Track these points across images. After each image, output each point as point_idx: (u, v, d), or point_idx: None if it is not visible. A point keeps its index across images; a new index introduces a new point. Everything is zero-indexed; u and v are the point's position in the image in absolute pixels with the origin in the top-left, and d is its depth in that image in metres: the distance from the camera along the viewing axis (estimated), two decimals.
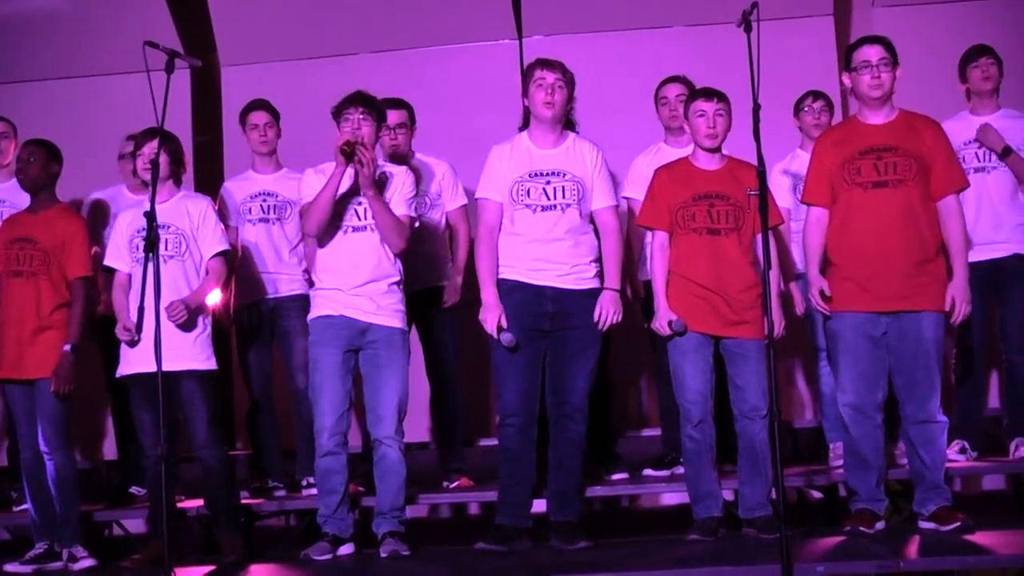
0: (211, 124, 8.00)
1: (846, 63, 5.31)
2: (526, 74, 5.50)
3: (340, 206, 5.41)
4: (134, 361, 5.47)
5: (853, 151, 5.20)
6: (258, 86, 6.96)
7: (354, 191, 5.42)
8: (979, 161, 5.94)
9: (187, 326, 5.39)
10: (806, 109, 6.27)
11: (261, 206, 6.32)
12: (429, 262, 6.13)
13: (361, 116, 5.43)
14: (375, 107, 5.49)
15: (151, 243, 4.77)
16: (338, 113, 5.48)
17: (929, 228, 5.15)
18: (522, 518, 5.40)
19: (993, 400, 6.61)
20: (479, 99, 7.41)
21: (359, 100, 5.47)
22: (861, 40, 5.40)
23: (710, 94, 5.35)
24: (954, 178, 5.22)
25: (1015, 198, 6.04)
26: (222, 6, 7.70)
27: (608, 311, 5.33)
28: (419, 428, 6.59)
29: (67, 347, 5.67)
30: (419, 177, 5.95)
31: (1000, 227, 5.97)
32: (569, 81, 5.43)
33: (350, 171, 5.35)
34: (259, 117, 6.38)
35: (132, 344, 5.44)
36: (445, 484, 6.20)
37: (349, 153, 5.27)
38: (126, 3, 7.42)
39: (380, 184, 5.44)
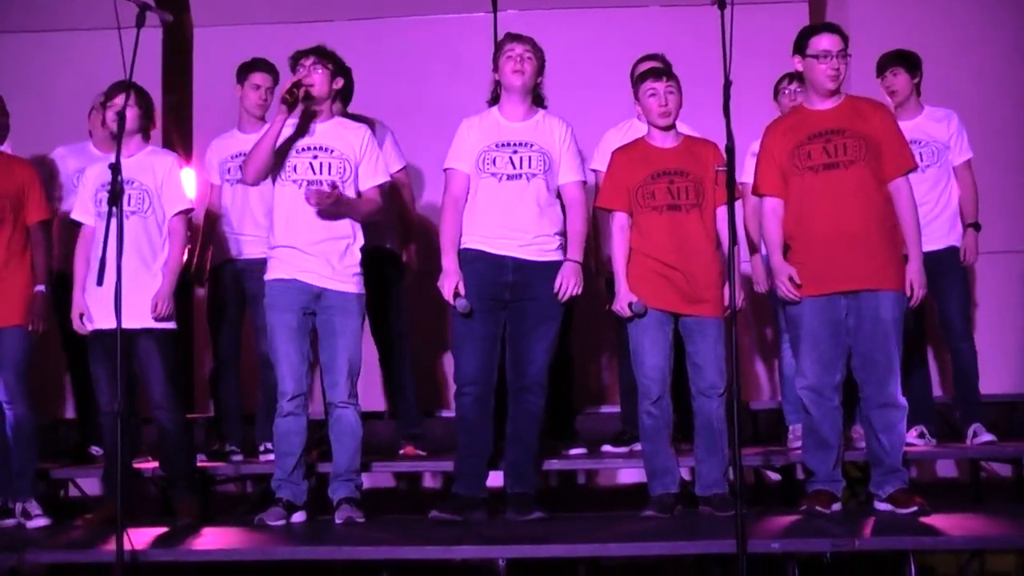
0: (181, 84, 7.94)
1: (798, 47, 5.29)
2: (497, 48, 5.52)
3: (294, 158, 5.37)
4: (94, 316, 5.44)
5: (801, 137, 5.21)
6: (231, 48, 6.92)
7: (308, 143, 5.39)
8: None
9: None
10: (784, 91, 6.29)
11: (241, 167, 6.19)
12: (381, 222, 6.03)
13: (313, 63, 5.40)
14: (330, 58, 5.46)
15: (115, 195, 4.70)
16: (293, 65, 5.46)
17: (883, 208, 5.16)
18: (478, 488, 5.40)
19: (935, 389, 6.65)
20: (453, 71, 7.39)
21: (312, 50, 5.46)
22: (818, 27, 5.40)
23: (659, 73, 5.40)
24: (903, 160, 5.24)
25: (945, 193, 6.18)
26: None
27: (569, 282, 5.33)
28: (375, 397, 6.54)
29: (40, 287, 5.68)
30: None
31: (934, 221, 6.07)
32: (538, 54, 5.46)
33: (311, 126, 5.32)
34: (262, 79, 6.29)
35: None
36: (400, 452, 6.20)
37: (292, 101, 5.23)
38: None
39: (335, 137, 5.41)
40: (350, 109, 6.17)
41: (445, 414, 6.77)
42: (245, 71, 6.33)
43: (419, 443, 6.20)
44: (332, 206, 5.26)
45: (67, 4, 7.58)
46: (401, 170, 6.25)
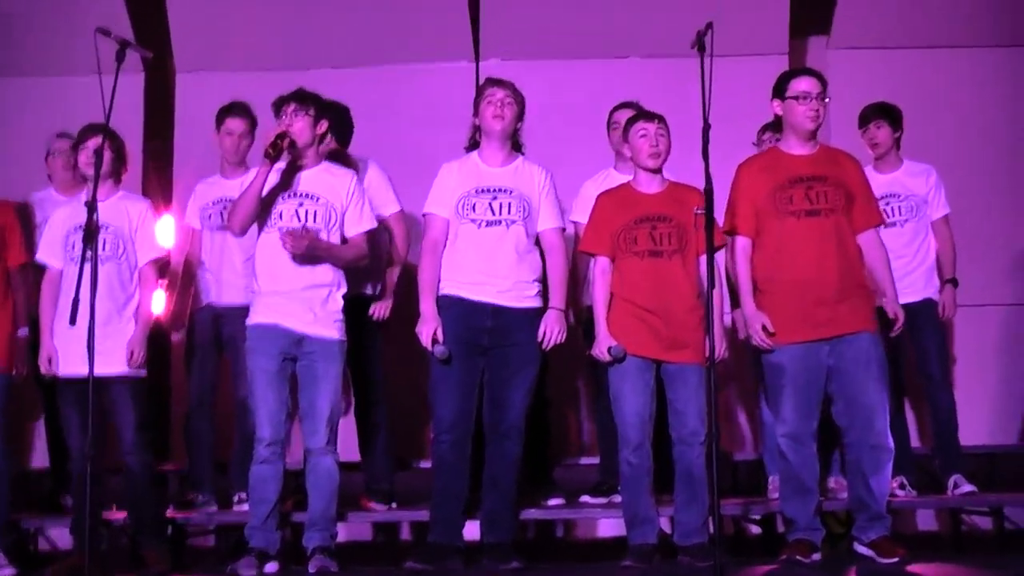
0: (163, 131, 7.91)
1: (778, 91, 5.32)
2: (478, 93, 5.53)
3: (279, 206, 5.34)
4: (64, 361, 5.39)
5: (782, 180, 5.22)
6: (213, 93, 6.86)
7: (294, 190, 5.36)
8: (889, 217, 6.00)
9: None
10: (765, 143, 6.30)
11: (221, 213, 6.12)
12: (364, 270, 5.93)
13: (294, 111, 5.37)
14: (311, 102, 5.43)
15: (90, 233, 4.68)
16: (276, 111, 5.43)
17: (856, 256, 5.24)
18: (454, 536, 5.33)
19: (914, 440, 6.63)
20: (434, 119, 7.36)
21: (293, 96, 5.42)
22: (798, 71, 5.50)
23: (651, 116, 5.39)
24: (873, 215, 5.33)
25: (923, 247, 6.22)
26: (181, 11, 7.64)
27: (553, 330, 5.31)
28: (351, 447, 6.47)
29: (22, 331, 5.64)
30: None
31: (912, 273, 6.11)
32: (519, 100, 5.47)
33: (296, 174, 5.32)
34: (235, 125, 6.22)
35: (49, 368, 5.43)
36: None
37: (275, 155, 5.21)
38: (83, 3, 7.34)
39: (321, 184, 5.39)
40: (387, 151, 6.22)
41: (423, 465, 6.69)
42: (219, 118, 6.28)
43: (382, 498, 6.05)
44: (308, 249, 5.23)
45: (50, 49, 7.57)
46: (395, 213, 6.11)
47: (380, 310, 5.98)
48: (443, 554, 5.27)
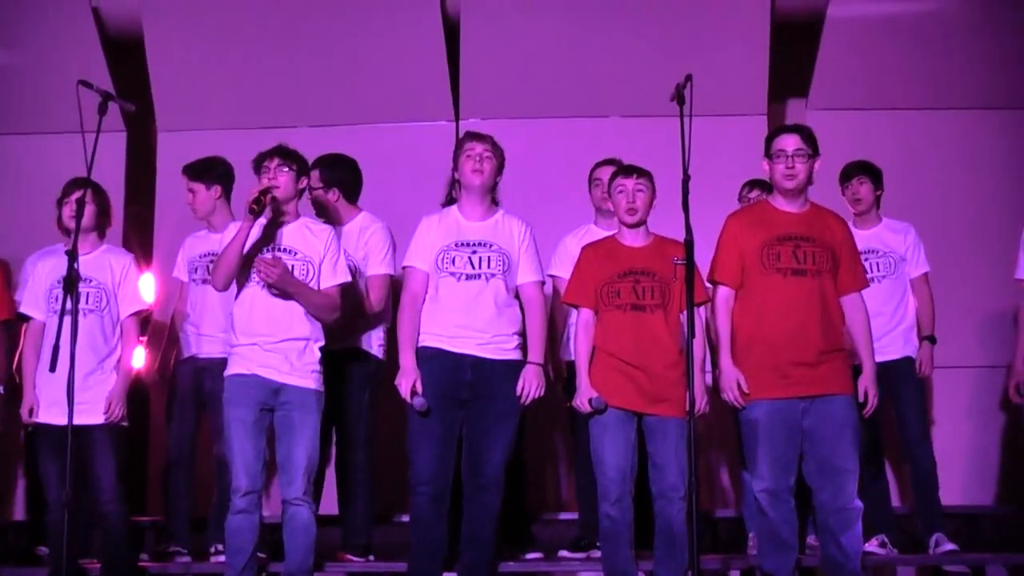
0: (144, 195, 7.96)
1: (765, 149, 5.37)
2: (457, 147, 5.55)
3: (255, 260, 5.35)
4: (46, 410, 5.38)
5: (770, 236, 5.24)
6: (195, 153, 6.87)
7: (273, 246, 5.37)
8: (870, 272, 5.99)
9: None
10: (746, 199, 6.37)
11: (207, 266, 6.10)
12: (354, 324, 5.99)
13: (277, 166, 5.39)
14: (294, 159, 5.45)
15: (71, 282, 4.68)
16: (257, 166, 5.45)
17: (838, 318, 5.24)
18: None
19: (895, 500, 6.62)
20: (414, 178, 7.42)
21: (276, 151, 5.44)
22: (781, 128, 5.50)
23: (629, 171, 5.41)
24: (858, 277, 5.35)
25: (903, 304, 6.25)
26: (162, 71, 7.69)
27: (531, 385, 5.31)
28: (331, 500, 6.43)
29: None
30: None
31: (890, 332, 6.12)
32: (498, 154, 5.49)
33: (277, 229, 5.34)
34: (185, 182, 6.25)
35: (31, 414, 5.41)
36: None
37: (258, 211, 5.22)
38: (64, 62, 7.38)
39: (299, 239, 5.41)
40: (368, 209, 6.21)
41: (403, 518, 6.64)
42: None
43: (360, 552, 5.98)
44: (281, 279, 5.22)
45: (32, 107, 7.62)
46: (379, 275, 6.05)
47: None
48: None
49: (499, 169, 5.49)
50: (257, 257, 5.26)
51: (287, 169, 5.41)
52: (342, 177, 6.16)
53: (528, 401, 5.34)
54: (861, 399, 5.20)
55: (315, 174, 6.07)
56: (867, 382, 5.22)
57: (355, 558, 5.93)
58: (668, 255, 5.25)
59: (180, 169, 6.38)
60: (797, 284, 5.17)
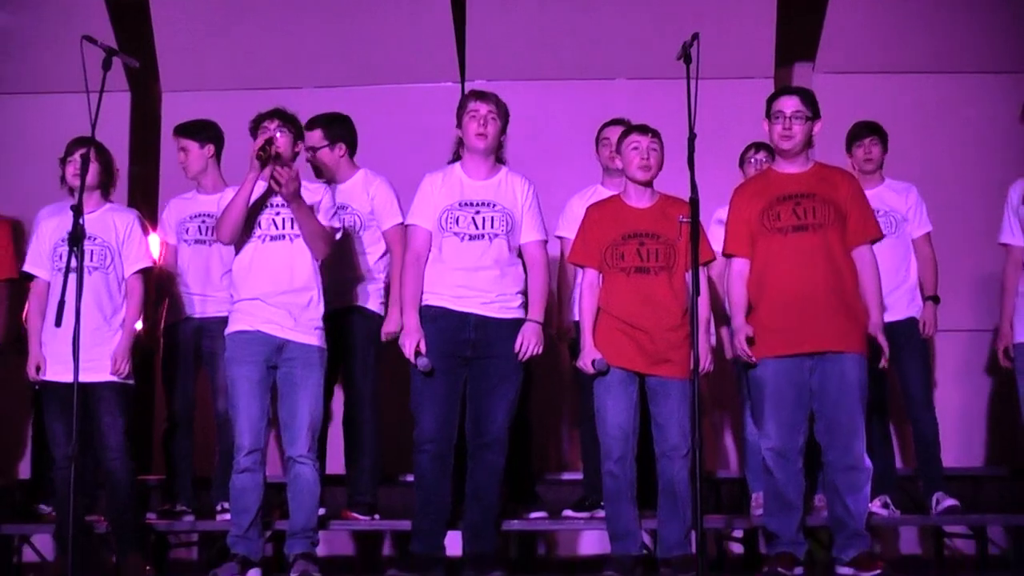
0: (149, 156, 7.95)
1: (766, 111, 5.37)
2: (460, 106, 5.52)
3: (258, 215, 5.35)
4: (52, 368, 5.39)
5: (771, 198, 5.25)
6: (199, 114, 6.87)
7: (272, 199, 5.37)
8: None
9: None
10: (751, 161, 6.35)
11: (199, 227, 6.15)
12: (353, 282, 6.01)
13: (277, 126, 5.39)
14: (292, 121, 5.45)
15: (76, 238, 4.68)
16: (255, 128, 5.43)
17: (849, 273, 5.21)
18: (436, 546, 5.33)
19: (898, 462, 6.64)
20: (419, 140, 7.39)
21: (275, 112, 5.44)
22: (781, 90, 5.51)
23: (644, 129, 5.39)
24: (868, 228, 5.31)
25: (905, 264, 6.23)
26: (167, 31, 7.67)
27: (529, 342, 5.30)
28: (337, 459, 6.45)
29: None
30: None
31: (893, 292, 6.09)
32: (502, 114, 5.46)
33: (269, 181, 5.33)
34: (180, 142, 6.24)
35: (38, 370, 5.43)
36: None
37: (265, 158, 5.21)
38: (68, 22, 7.36)
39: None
40: (373, 170, 6.21)
41: (408, 479, 6.66)
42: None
43: (365, 511, 5.97)
44: (295, 192, 5.21)
45: (37, 67, 7.61)
46: (395, 226, 6.00)
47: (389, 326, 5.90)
48: (425, 564, 5.26)
49: (503, 129, 5.47)
50: (264, 143, 5.22)
51: (288, 131, 5.41)
52: (345, 133, 6.15)
53: (525, 358, 5.32)
54: (878, 342, 5.18)
55: (317, 133, 6.09)
56: (875, 329, 5.21)
57: (361, 516, 5.94)
58: (673, 216, 5.24)
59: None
60: (798, 239, 5.17)
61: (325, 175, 6.13)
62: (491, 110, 5.42)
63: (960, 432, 7.25)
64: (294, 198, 5.24)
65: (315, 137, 6.08)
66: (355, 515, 5.94)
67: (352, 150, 6.20)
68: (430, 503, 5.32)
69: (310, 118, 6.09)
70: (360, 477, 6.02)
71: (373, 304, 6.05)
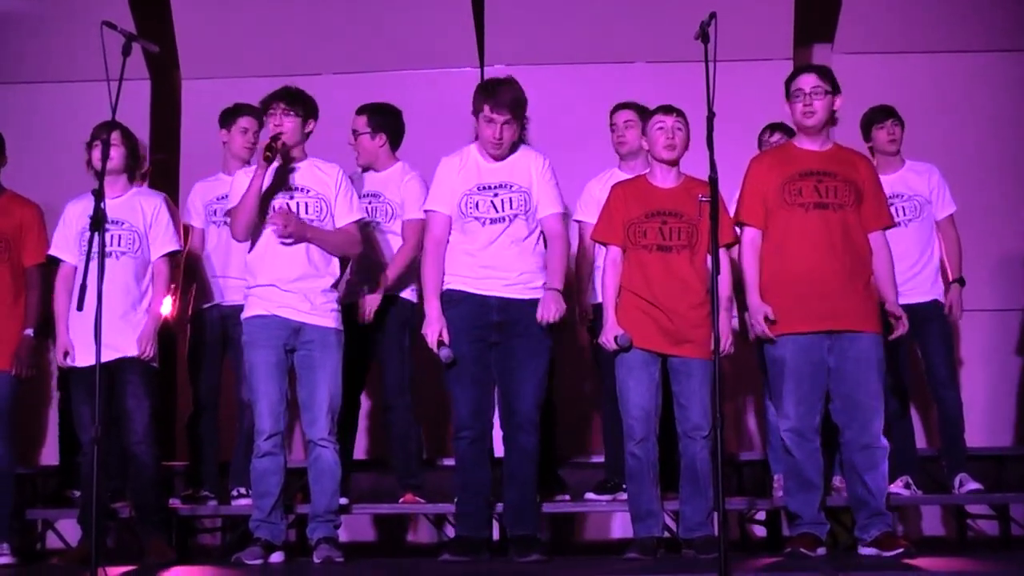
0: (169, 144, 7.97)
1: (786, 92, 5.36)
2: (476, 105, 5.44)
3: (271, 202, 5.37)
4: (80, 353, 5.41)
5: (792, 172, 5.24)
6: (219, 100, 6.88)
7: (284, 188, 5.40)
8: (896, 217, 5.95)
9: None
10: (766, 142, 6.35)
11: (227, 220, 6.14)
12: (375, 269, 6.00)
13: (283, 111, 5.40)
14: (299, 103, 5.45)
15: (96, 222, 4.70)
16: (264, 110, 5.47)
17: (866, 254, 5.23)
18: (481, 529, 5.37)
19: (920, 442, 6.62)
20: (438, 124, 7.37)
21: (280, 96, 5.45)
22: (799, 69, 5.50)
23: (669, 109, 5.39)
24: (882, 216, 5.33)
25: (930, 247, 6.22)
26: (187, 19, 7.70)
27: (549, 309, 5.27)
28: (360, 445, 6.47)
29: (28, 331, 5.65)
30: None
31: (918, 275, 6.11)
32: (519, 114, 5.42)
33: (288, 169, 5.37)
34: (249, 123, 6.28)
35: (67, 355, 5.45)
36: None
37: (271, 157, 5.26)
38: (89, 11, 7.37)
39: (311, 177, 5.45)
40: (405, 160, 6.25)
41: (447, 462, 6.67)
42: (232, 115, 6.33)
43: (419, 492, 6.02)
44: (298, 229, 5.27)
45: (57, 56, 7.64)
46: (415, 220, 5.99)
47: (370, 305, 5.93)
48: (475, 547, 5.30)
49: (521, 127, 5.47)
50: (269, 216, 5.28)
51: (292, 114, 5.41)
52: (389, 124, 6.18)
53: (545, 324, 5.28)
54: (893, 320, 5.19)
55: (362, 119, 6.14)
56: (892, 307, 5.21)
57: (420, 498, 5.97)
58: (697, 196, 5.22)
59: (210, 116, 6.42)
60: (819, 216, 5.17)
61: (362, 160, 6.16)
62: (507, 119, 5.35)
63: (986, 412, 7.24)
64: (301, 237, 5.30)
65: (360, 122, 6.15)
66: (415, 498, 5.96)
67: (393, 142, 6.23)
68: (471, 487, 5.34)
69: (361, 104, 6.17)
70: (410, 461, 6.05)
71: (406, 292, 6.07)
